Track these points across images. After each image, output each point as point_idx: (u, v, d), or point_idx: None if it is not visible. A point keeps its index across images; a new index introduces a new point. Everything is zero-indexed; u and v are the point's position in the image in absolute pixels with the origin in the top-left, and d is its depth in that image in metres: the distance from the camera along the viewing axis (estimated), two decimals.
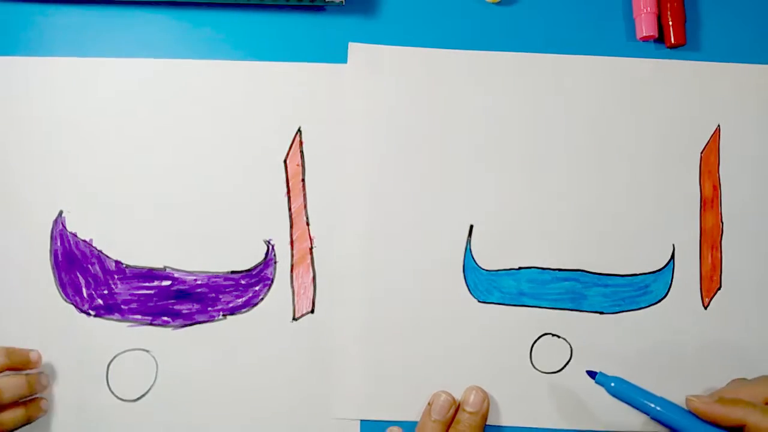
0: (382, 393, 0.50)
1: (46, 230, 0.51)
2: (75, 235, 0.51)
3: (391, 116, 0.52)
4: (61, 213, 0.51)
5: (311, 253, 0.51)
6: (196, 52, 0.52)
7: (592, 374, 0.46)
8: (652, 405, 0.44)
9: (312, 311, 0.51)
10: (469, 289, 0.51)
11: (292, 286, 0.51)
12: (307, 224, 0.51)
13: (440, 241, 0.51)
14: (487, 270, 0.51)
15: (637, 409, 0.45)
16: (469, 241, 0.51)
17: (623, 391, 0.45)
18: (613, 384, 0.45)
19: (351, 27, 0.53)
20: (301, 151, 0.52)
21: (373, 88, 0.52)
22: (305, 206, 0.52)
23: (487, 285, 0.51)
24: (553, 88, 0.52)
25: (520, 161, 0.52)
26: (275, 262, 0.51)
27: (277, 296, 0.51)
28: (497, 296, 0.51)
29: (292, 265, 0.51)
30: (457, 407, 0.49)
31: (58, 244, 0.51)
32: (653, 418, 0.45)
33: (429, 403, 0.49)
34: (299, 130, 0.52)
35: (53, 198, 0.51)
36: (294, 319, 0.51)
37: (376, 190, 0.51)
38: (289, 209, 0.52)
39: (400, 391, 0.50)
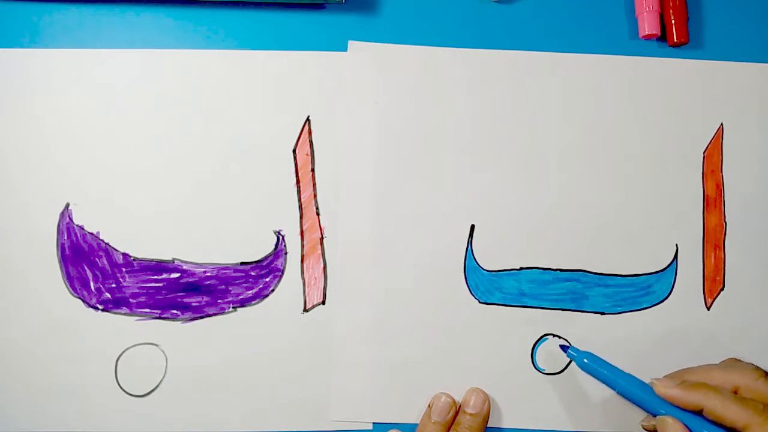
0: (382, 394, 0.50)
1: (52, 223, 0.50)
2: (82, 228, 0.50)
3: (391, 116, 0.52)
4: (67, 206, 0.50)
5: (322, 243, 0.51)
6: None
7: (564, 348, 0.48)
8: (620, 381, 0.46)
9: (323, 302, 0.51)
10: (470, 290, 0.51)
11: (303, 277, 0.51)
12: (317, 214, 0.51)
13: (441, 241, 0.51)
14: (488, 270, 0.51)
15: (606, 384, 0.46)
16: (470, 242, 0.51)
17: (594, 367, 0.47)
18: (585, 360, 0.47)
19: (351, 25, 0.53)
20: (310, 141, 0.51)
21: (372, 86, 0.52)
22: (315, 196, 0.51)
23: (488, 285, 0.51)
24: (555, 87, 0.52)
25: (522, 160, 0.52)
26: (285, 253, 0.51)
27: (288, 287, 0.50)
28: (498, 297, 0.51)
29: (302, 256, 0.51)
30: (458, 409, 0.49)
31: (65, 237, 0.50)
32: (620, 393, 0.46)
33: (429, 405, 0.49)
34: (308, 119, 0.51)
35: (59, 190, 0.50)
36: (305, 310, 0.50)
37: (376, 190, 0.51)
38: (299, 199, 0.51)
39: (400, 392, 0.50)
